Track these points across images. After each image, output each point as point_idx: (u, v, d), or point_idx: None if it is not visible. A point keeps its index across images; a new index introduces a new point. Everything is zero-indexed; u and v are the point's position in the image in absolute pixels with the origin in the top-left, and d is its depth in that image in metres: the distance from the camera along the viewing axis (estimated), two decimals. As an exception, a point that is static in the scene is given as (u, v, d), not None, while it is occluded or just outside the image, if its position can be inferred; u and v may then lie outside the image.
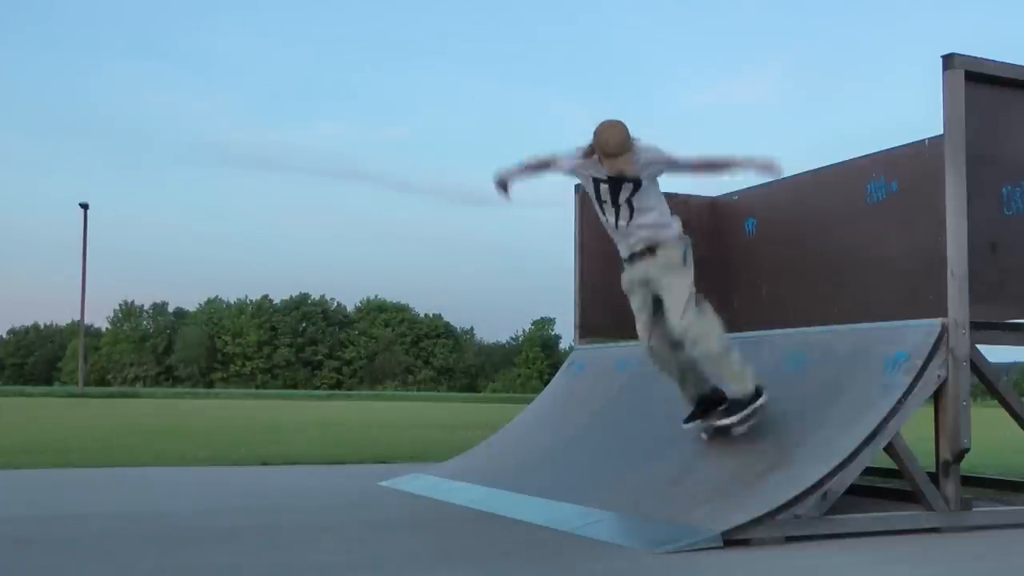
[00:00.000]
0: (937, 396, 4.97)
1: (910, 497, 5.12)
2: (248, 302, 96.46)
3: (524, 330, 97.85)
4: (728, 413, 5.10)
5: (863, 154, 6.64)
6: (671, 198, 5.55)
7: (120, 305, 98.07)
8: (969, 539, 4.75)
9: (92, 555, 4.06)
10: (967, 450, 4.97)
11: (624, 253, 5.21)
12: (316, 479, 7.33)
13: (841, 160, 6.84)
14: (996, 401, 5.42)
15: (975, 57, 5.12)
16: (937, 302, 5.11)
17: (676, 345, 5.13)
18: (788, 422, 5.15)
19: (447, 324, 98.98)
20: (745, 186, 7.70)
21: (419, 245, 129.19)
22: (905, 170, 6.25)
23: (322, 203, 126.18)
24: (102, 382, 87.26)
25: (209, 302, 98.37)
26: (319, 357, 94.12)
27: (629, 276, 5.22)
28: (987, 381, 5.16)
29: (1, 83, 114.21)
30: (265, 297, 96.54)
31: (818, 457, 4.72)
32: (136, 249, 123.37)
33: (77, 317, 56.90)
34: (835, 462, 4.62)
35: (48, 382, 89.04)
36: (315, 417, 19.61)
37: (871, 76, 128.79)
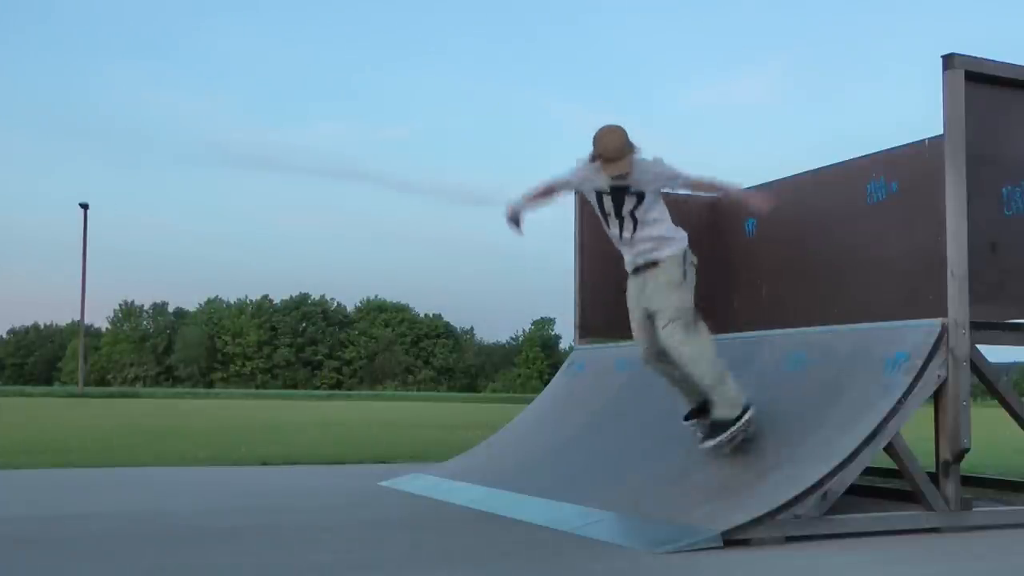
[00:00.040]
0: (937, 396, 4.97)
1: (910, 497, 5.12)
2: (248, 302, 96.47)
3: (524, 330, 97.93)
4: (712, 435, 5.04)
5: (863, 154, 6.64)
6: (670, 197, 5.54)
7: (120, 305, 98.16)
8: (969, 539, 4.74)
9: (92, 555, 4.06)
10: (967, 450, 4.97)
11: (629, 265, 5.20)
12: (316, 479, 7.33)
13: (841, 160, 6.84)
14: (996, 401, 5.42)
15: (975, 57, 5.12)
16: (937, 302, 5.10)
17: (668, 359, 5.11)
18: (788, 422, 5.15)
19: (447, 324, 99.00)
20: (745, 186, 7.69)
21: (419, 245, 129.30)
22: (905, 170, 6.25)
23: (322, 203, 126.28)
24: (102, 382, 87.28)
25: (209, 302, 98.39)
26: (319, 357, 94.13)
27: (630, 289, 5.21)
28: (987, 381, 5.15)
29: (1, 83, 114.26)
30: (265, 297, 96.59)
31: (818, 457, 4.72)
32: (136, 249, 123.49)
33: (77, 317, 56.94)
34: (835, 462, 4.62)
35: (48, 382, 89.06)
36: (315, 417, 19.61)
37: (871, 76, 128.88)
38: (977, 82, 5.08)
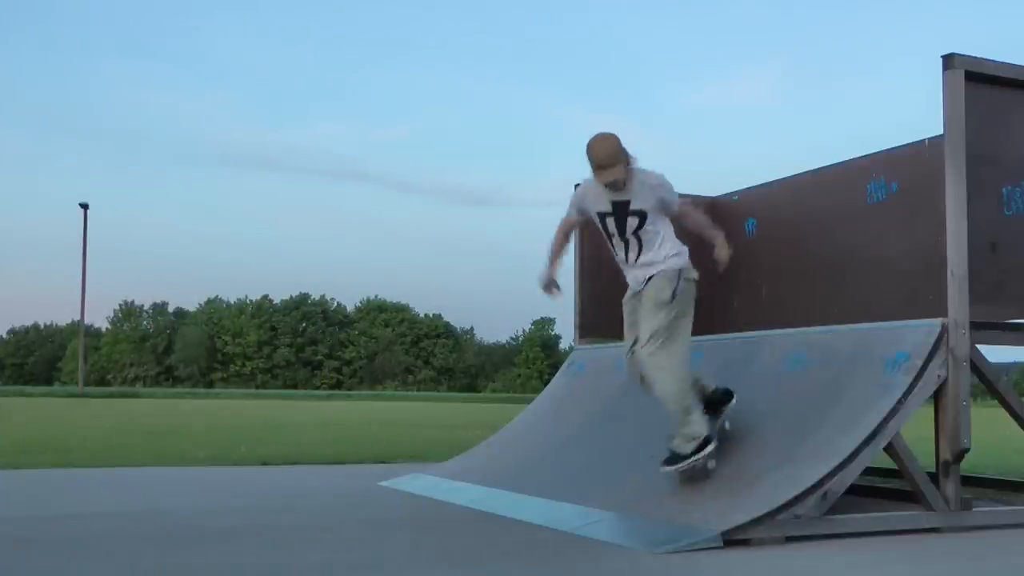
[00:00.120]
0: (937, 396, 4.97)
1: (910, 497, 5.12)
2: (248, 302, 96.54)
3: (524, 330, 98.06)
4: (668, 463, 4.99)
5: (863, 154, 6.64)
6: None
7: (120, 305, 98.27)
8: (969, 539, 4.74)
9: (92, 555, 4.06)
10: (967, 450, 4.97)
11: (630, 290, 5.16)
12: (316, 479, 7.33)
13: (841, 160, 6.84)
14: (996, 401, 5.42)
15: (975, 57, 5.11)
16: (937, 302, 5.10)
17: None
18: (788, 422, 5.15)
19: (447, 324, 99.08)
20: (745, 186, 7.71)
21: (419, 245, 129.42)
22: (905, 170, 6.25)
23: (322, 203, 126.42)
24: (102, 382, 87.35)
25: (209, 302, 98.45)
26: (319, 357, 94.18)
27: (626, 311, 5.16)
28: (987, 381, 5.15)
29: (1, 83, 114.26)
30: (265, 297, 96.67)
31: (818, 457, 4.72)
32: (136, 249, 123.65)
33: (77, 317, 57.00)
34: (835, 462, 4.61)
35: (48, 382, 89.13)
36: (315, 417, 19.61)
37: (871, 76, 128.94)
38: (977, 82, 5.08)
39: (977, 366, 5.01)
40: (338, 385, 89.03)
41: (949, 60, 5.05)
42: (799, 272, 7.06)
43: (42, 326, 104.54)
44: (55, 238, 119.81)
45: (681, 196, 5.14)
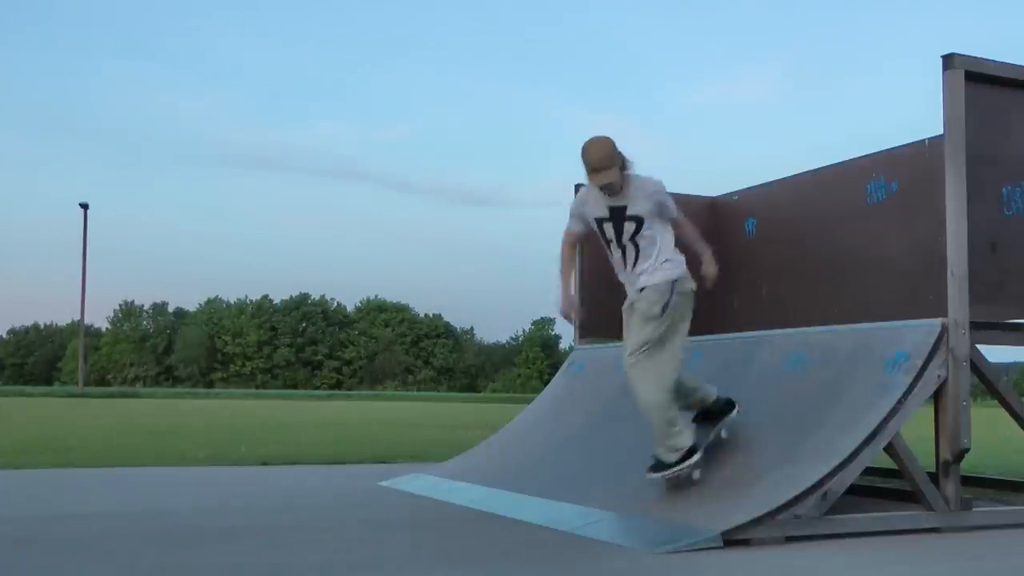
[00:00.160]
0: (937, 396, 4.97)
1: (910, 497, 5.12)
2: (248, 302, 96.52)
3: (524, 330, 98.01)
4: (653, 469, 5.01)
5: (863, 154, 6.64)
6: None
7: (120, 305, 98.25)
8: (969, 539, 4.74)
9: (92, 555, 4.06)
10: (967, 450, 4.97)
11: (629, 298, 5.14)
12: (316, 479, 7.33)
13: (841, 160, 6.84)
14: (996, 401, 5.42)
15: (975, 57, 5.12)
16: (937, 302, 5.10)
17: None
18: (788, 422, 5.15)
19: (447, 324, 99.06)
20: (745, 186, 7.71)
21: (419, 245, 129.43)
22: (905, 170, 6.26)
23: (322, 203, 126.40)
24: (102, 382, 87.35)
25: (209, 302, 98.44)
26: (319, 357, 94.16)
27: (625, 322, 5.13)
28: (987, 381, 5.15)
29: (1, 83, 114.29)
30: (265, 297, 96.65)
31: (818, 457, 4.72)
32: (136, 249, 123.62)
33: (77, 317, 56.99)
34: (835, 462, 4.62)
35: (48, 382, 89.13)
36: (315, 417, 19.61)
37: (871, 76, 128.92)
38: (977, 82, 5.08)
39: (977, 366, 5.01)
40: (338, 385, 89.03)
41: (949, 60, 5.05)
42: (799, 272, 7.06)
43: (42, 326, 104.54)
44: (55, 238, 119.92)
45: (682, 195, 5.14)
